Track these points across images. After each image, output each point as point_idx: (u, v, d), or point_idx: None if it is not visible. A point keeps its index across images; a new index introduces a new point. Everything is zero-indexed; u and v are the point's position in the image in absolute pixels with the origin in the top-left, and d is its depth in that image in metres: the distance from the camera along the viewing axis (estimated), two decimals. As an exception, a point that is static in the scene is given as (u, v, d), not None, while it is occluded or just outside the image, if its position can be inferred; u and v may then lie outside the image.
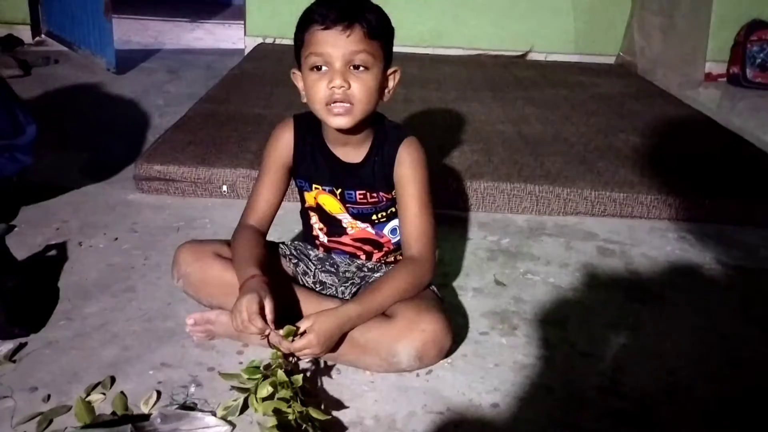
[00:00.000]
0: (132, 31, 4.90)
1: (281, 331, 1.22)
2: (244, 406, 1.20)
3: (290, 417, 1.12)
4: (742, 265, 1.89)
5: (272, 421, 1.13)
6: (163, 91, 3.39)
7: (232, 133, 2.45)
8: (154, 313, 1.52)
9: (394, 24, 1.32)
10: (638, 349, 1.48)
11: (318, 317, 1.25)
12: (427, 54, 4.19)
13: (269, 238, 1.49)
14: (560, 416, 1.26)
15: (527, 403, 1.28)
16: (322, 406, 1.21)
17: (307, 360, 1.33)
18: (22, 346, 1.38)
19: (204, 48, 4.52)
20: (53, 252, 1.77)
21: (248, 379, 1.21)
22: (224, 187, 2.13)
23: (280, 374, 1.18)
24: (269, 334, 1.23)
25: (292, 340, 1.23)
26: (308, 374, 1.31)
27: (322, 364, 1.35)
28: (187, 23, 5.44)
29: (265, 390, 1.16)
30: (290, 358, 1.25)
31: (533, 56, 4.36)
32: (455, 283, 1.71)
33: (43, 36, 4.36)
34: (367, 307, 1.30)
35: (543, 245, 1.94)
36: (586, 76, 3.82)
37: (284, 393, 1.15)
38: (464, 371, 1.37)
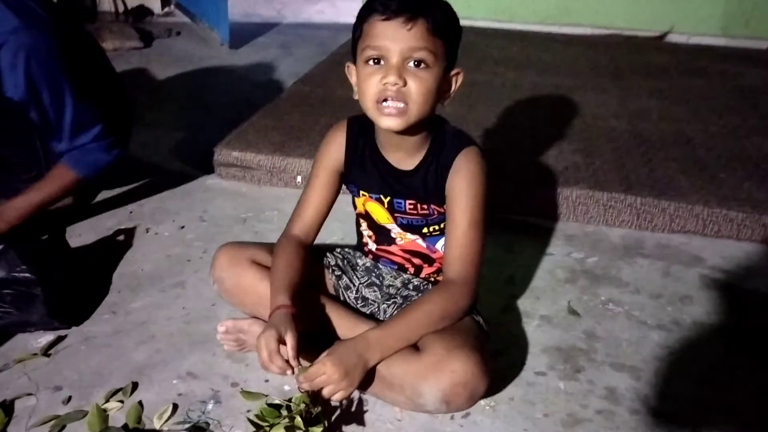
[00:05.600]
0: (260, 3, 4.94)
1: (296, 371, 1.11)
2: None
3: None
4: None
5: None
6: (271, 69, 3.37)
7: (318, 119, 2.36)
8: (196, 314, 1.48)
9: None
10: (728, 413, 1.24)
11: (334, 346, 1.13)
12: (552, 33, 3.86)
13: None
14: (610, 491, 1.07)
15: (572, 469, 1.11)
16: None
17: (336, 401, 1.19)
18: (60, 339, 1.39)
19: (322, 22, 4.48)
20: (121, 237, 1.79)
21: (267, 418, 1.12)
22: (299, 178, 2.05)
23: (298, 420, 1.09)
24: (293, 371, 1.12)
25: None
26: (333, 417, 1.19)
27: (354, 402, 1.23)
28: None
29: None
30: (316, 403, 1.14)
31: (673, 38, 3.90)
32: (522, 308, 1.52)
33: (172, 7, 4.51)
34: (389, 333, 1.15)
35: (636, 268, 1.69)
36: (731, 63, 3.36)
37: None
38: (507, 419, 1.20)
